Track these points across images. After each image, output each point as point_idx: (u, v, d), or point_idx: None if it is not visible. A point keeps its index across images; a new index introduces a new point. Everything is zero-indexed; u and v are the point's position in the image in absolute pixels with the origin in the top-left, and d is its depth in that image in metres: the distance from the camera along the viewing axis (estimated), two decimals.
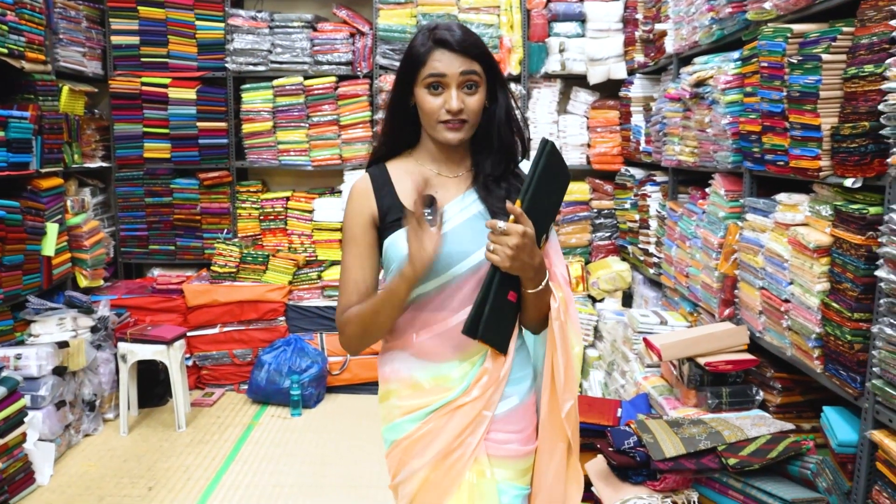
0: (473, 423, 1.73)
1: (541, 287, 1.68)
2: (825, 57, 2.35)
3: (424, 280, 1.68)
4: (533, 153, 1.71)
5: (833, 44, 2.34)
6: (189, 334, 5.15)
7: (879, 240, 2.12)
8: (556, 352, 1.72)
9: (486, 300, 1.64)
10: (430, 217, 1.65)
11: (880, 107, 2.07)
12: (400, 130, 1.83)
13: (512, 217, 1.61)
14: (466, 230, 1.73)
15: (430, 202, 1.69)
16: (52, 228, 4.39)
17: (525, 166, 1.80)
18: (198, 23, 5.46)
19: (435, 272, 1.68)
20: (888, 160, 2.09)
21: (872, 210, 2.19)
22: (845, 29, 2.33)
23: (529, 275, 1.65)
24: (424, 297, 1.73)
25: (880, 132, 2.11)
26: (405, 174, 1.79)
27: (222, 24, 5.46)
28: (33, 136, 4.24)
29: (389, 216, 1.75)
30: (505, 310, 1.68)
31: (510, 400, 1.78)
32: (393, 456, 1.81)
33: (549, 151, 1.65)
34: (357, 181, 1.82)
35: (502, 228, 1.59)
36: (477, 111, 1.72)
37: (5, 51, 4.06)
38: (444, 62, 1.67)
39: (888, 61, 2.04)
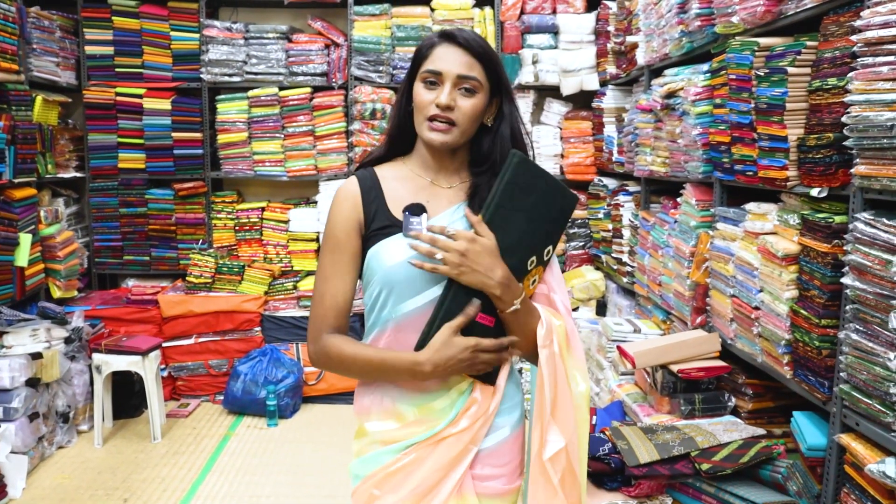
0: (458, 457, 1.59)
1: (515, 307, 1.55)
2: (791, 70, 2.41)
3: (405, 298, 1.59)
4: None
5: (798, 57, 2.40)
6: (164, 345, 5.12)
7: (845, 248, 2.18)
8: (544, 383, 1.58)
9: (437, 315, 1.53)
10: (417, 226, 1.59)
11: (843, 118, 2.13)
12: (398, 132, 1.73)
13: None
14: None
15: (418, 210, 1.62)
16: (25, 239, 4.36)
17: None
18: (172, 33, 5.45)
19: (418, 289, 1.58)
20: (852, 170, 2.15)
21: (838, 219, 2.25)
22: (809, 43, 2.39)
23: (494, 292, 1.53)
24: (406, 318, 1.59)
25: (844, 143, 2.17)
26: (395, 181, 1.68)
27: (197, 35, 5.45)
28: (6, 146, 4.21)
29: (375, 223, 1.63)
30: (475, 333, 1.55)
31: (501, 431, 1.66)
32: (362, 492, 1.64)
33: (517, 164, 1.56)
34: (344, 184, 1.70)
35: (450, 232, 1.50)
36: (470, 116, 1.61)
37: None
38: (445, 58, 1.60)
39: (850, 75, 2.10)
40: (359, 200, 1.66)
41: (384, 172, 1.71)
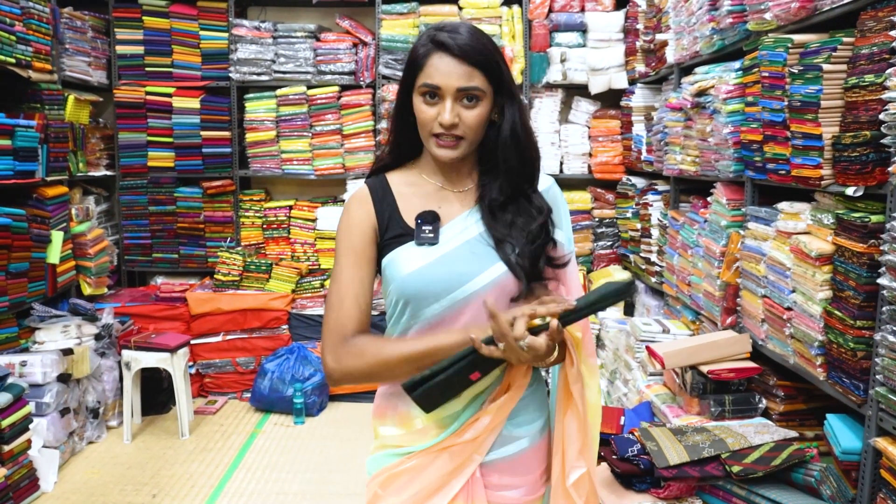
0: (460, 466, 1.57)
1: (546, 364, 1.54)
2: (826, 67, 2.37)
3: (424, 307, 1.55)
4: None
5: (833, 54, 2.36)
6: (192, 342, 5.16)
7: (881, 248, 2.14)
8: (568, 415, 1.58)
9: (444, 371, 1.44)
10: (430, 234, 1.57)
11: (881, 116, 2.10)
12: (402, 139, 1.67)
13: (542, 315, 1.41)
14: (466, 252, 1.57)
15: (431, 219, 1.59)
16: (56, 236, 4.42)
17: (544, 187, 1.66)
18: (202, 33, 5.49)
19: (435, 297, 1.54)
20: (889, 169, 2.11)
21: (874, 218, 2.21)
22: (845, 39, 2.35)
23: (535, 363, 1.51)
24: (427, 323, 1.56)
25: (881, 141, 2.13)
26: (407, 187, 1.65)
27: (226, 35, 5.49)
28: (39, 145, 4.27)
29: (389, 231, 1.60)
30: (458, 385, 1.49)
31: (519, 443, 1.62)
32: (369, 488, 1.65)
33: (622, 291, 1.45)
34: (355, 193, 1.67)
35: (524, 346, 1.38)
36: (475, 127, 1.54)
37: (13, 60, 4.09)
38: (442, 71, 1.51)
39: (888, 71, 2.06)
40: (371, 208, 1.63)
41: (395, 179, 1.67)
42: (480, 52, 1.52)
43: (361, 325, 1.58)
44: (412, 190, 1.65)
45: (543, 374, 1.75)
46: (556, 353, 1.51)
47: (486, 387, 1.58)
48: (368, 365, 1.53)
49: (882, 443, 2.14)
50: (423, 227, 1.58)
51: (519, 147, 1.60)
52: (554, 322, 1.40)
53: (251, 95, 5.56)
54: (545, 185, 1.68)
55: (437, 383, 1.45)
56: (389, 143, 1.70)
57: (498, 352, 1.41)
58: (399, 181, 1.67)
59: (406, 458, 1.59)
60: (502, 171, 1.60)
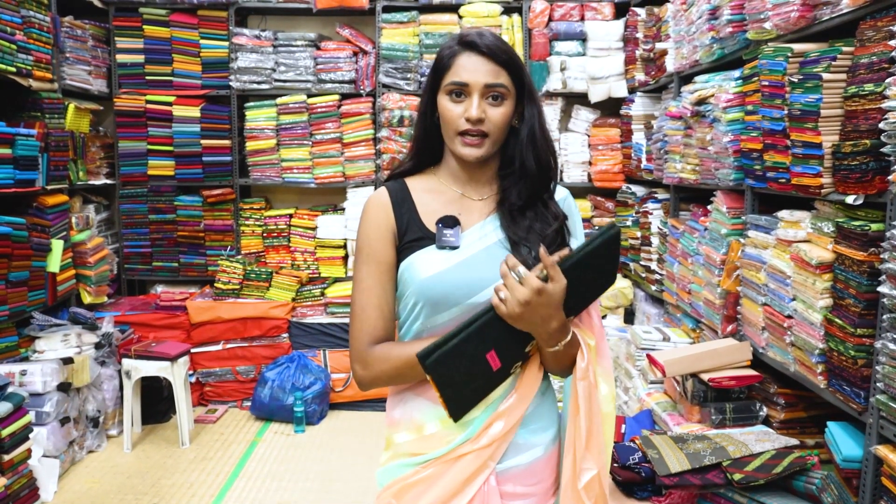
0: (475, 473, 1.55)
1: (558, 348, 1.51)
2: (825, 76, 2.38)
3: (440, 310, 1.56)
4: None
5: (833, 63, 2.38)
6: (192, 351, 5.16)
7: (881, 256, 2.14)
8: (579, 414, 1.54)
9: (457, 335, 1.43)
10: (451, 238, 1.57)
11: (881, 125, 2.11)
12: (425, 145, 1.68)
13: (541, 265, 1.43)
14: (485, 259, 1.57)
15: (452, 223, 1.59)
16: (57, 245, 4.42)
17: (560, 197, 1.68)
18: (202, 41, 5.50)
19: (454, 302, 1.55)
20: (889, 177, 2.12)
21: (874, 227, 2.21)
22: (845, 49, 2.37)
23: (542, 336, 1.49)
24: (441, 329, 1.56)
25: (881, 150, 2.14)
26: (426, 192, 1.65)
27: (226, 43, 5.50)
28: (40, 154, 4.27)
29: (408, 235, 1.60)
30: (476, 366, 1.46)
31: (534, 451, 1.61)
32: (382, 498, 1.62)
33: (612, 237, 1.51)
34: (375, 194, 1.66)
35: (521, 275, 1.42)
36: (500, 125, 1.57)
37: (13, 69, 4.10)
38: (469, 68, 1.55)
39: (888, 80, 2.07)
40: (390, 211, 1.62)
41: (414, 184, 1.68)
42: (506, 53, 1.57)
43: (385, 331, 1.60)
44: (432, 196, 1.65)
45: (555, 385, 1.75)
46: (563, 341, 1.50)
47: (501, 392, 1.56)
48: (395, 368, 1.56)
49: (883, 450, 2.14)
50: (445, 231, 1.58)
51: (537, 149, 1.62)
52: (542, 249, 1.43)
53: (251, 104, 5.57)
54: (561, 195, 1.69)
55: (451, 350, 1.42)
56: (411, 148, 1.71)
57: (502, 307, 1.43)
58: (419, 187, 1.67)
59: (421, 468, 1.57)
60: (521, 175, 1.62)
